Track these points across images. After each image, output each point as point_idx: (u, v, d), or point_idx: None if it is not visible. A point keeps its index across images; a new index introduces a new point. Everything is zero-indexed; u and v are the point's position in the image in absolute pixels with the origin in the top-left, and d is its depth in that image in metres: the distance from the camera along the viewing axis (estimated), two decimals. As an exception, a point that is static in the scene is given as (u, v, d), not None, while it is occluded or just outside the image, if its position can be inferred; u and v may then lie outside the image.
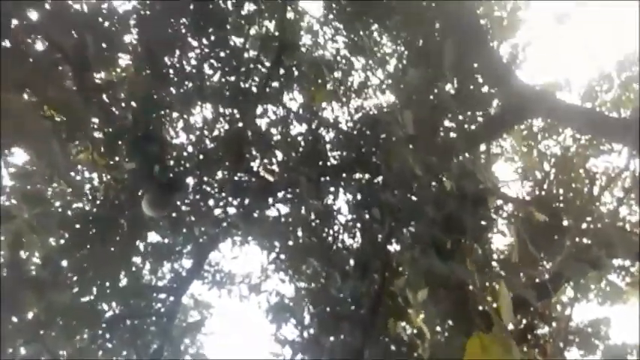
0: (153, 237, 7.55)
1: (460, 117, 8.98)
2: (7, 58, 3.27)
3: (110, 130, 5.88)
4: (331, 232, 9.06)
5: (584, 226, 12.08)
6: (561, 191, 13.35)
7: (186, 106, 8.12)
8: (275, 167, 9.49)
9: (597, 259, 7.03)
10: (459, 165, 5.57)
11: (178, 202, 7.11)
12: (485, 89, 9.34)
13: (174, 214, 7.11)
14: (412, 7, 9.12)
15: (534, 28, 11.75)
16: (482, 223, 5.48)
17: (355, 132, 10.13)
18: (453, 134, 9.17)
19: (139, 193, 6.42)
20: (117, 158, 6.29)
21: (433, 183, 6.09)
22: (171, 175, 6.49)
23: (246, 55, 9.00)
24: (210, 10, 7.19)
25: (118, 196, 6.57)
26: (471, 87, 9.30)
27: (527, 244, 8.21)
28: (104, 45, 5.73)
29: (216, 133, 8.93)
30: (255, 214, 8.86)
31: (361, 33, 10.83)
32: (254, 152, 9.20)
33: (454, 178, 5.55)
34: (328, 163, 9.83)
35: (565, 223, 12.53)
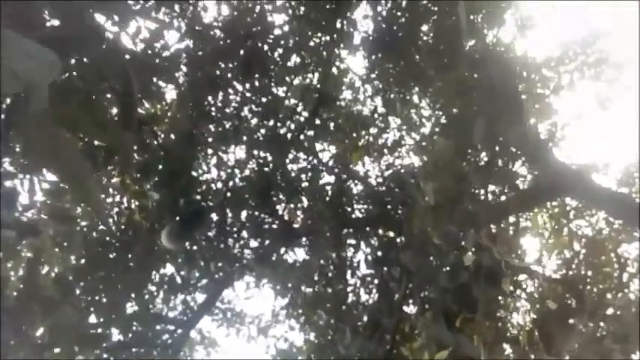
0: (169, 268, 7.71)
1: (488, 189, 8.93)
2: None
3: (146, 158, 6.12)
4: (347, 285, 9.03)
5: (609, 311, 11.67)
6: (589, 273, 12.99)
7: (221, 144, 8.38)
8: (299, 213, 9.61)
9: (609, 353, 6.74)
10: (474, 238, 5.54)
11: (198, 237, 7.26)
12: (518, 164, 9.31)
13: (192, 248, 7.24)
14: (453, 75, 9.30)
15: (576, 108, 11.70)
16: (496, 299, 5.39)
17: (383, 189, 10.22)
18: (478, 205, 9.13)
19: (161, 224, 6.59)
20: (147, 187, 6.51)
21: (451, 253, 6.07)
22: (195, 210, 6.66)
23: (286, 102, 9.29)
24: (257, 58, 7.51)
25: (141, 224, 6.77)
26: (503, 160, 9.29)
27: (545, 326, 7.96)
28: (154, 79, 6.05)
29: (246, 172, 9.14)
30: (273, 257, 8.93)
31: (400, 94, 11.04)
32: (281, 196, 9.35)
33: (470, 251, 5.52)
34: (353, 216, 9.90)
35: (589, 307, 12.13)
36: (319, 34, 7.76)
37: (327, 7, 7.55)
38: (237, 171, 8.62)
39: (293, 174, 9.63)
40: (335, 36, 7.62)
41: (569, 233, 13.08)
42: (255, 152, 8.65)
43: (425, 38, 8.94)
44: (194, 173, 6.70)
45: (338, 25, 7.82)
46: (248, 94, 7.74)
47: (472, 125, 9.30)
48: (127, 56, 4.76)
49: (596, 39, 11.00)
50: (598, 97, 11.63)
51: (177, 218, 6.37)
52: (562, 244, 13.13)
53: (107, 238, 6.75)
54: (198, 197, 7.08)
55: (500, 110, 9.44)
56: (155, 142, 6.29)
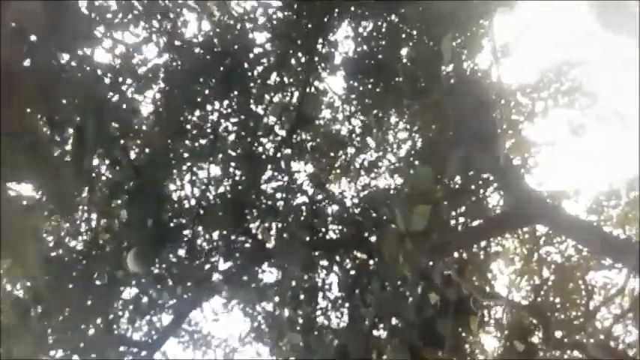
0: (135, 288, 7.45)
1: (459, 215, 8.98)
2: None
3: (116, 175, 5.95)
4: (318, 308, 8.92)
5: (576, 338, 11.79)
6: (557, 300, 13.13)
7: (197, 161, 8.24)
8: (273, 233, 9.48)
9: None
10: (442, 270, 5.51)
11: (166, 257, 7.04)
12: (490, 189, 9.40)
13: (159, 269, 7.01)
14: (429, 100, 9.37)
15: (550, 135, 11.91)
16: (462, 337, 5.35)
17: (357, 210, 10.18)
18: (450, 231, 9.17)
19: (129, 245, 6.38)
20: (115, 206, 6.31)
21: (419, 285, 6.03)
22: (162, 232, 6.45)
23: (265, 120, 9.20)
24: (236, 75, 7.43)
25: (108, 244, 6.54)
26: (476, 186, 9.36)
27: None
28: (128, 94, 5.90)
29: (221, 190, 8.99)
30: (244, 278, 8.77)
31: (377, 117, 11.05)
32: (255, 214, 9.22)
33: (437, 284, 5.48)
34: (326, 237, 9.82)
35: (557, 334, 12.24)
36: (299, 54, 7.73)
37: (308, 27, 7.53)
38: (211, 188, 8.47)
39: (268, 193, 9.53)
40: (315, 57, 7.59)
41: (538, 259, 13.23)
42: (231, 170, 8.51)
43: (404, 61, 8.99)
44: (166, 192, 6.51)
45: (318, 46, 7.80)
46: (226, 111, 7.63)
47: (447, 150, 9.38)
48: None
49: (571, 67, 11.26)
50: (571, 124, 11.88)
51: (144, 241, 6.16)
52: (531, 271, 13.27)
53: (72, 257, 6.51)
54: (169, 217, 6.88)
55: (475, 136, 9.55)
56: (126, 160, 6.11)
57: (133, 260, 6.04)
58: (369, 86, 9.94)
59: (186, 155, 8.06)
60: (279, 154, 9.62)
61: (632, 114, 11.08)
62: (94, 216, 6.98)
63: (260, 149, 8.66)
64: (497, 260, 13.33)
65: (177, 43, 6.84)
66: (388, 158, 11.84)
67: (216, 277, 7.89)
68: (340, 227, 10.00)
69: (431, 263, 6.27)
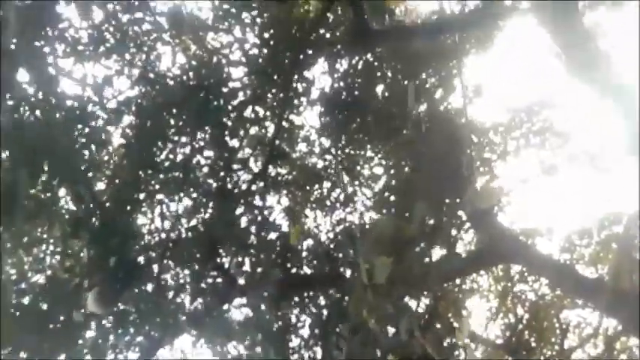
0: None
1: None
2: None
3: (78, 211, 5.74)
4: (290, 347, 8.70)
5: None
6: (532, 339, 13.08)
7: (168, 194, 8.10)
8: (245, 268, 9.30)
9: None
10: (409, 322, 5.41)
11: (132, 295, 6.76)
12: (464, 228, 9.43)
13: (122, 308, 6.70)
14: (405, 136, 9.45)
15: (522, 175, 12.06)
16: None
17: (332, 245, 10.09)
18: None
19: (90, 283, 6.12)
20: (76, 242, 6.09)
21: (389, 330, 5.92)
22: (127, 269, 6.22)
23: (239, 153, 9.13)
24: (210, 109, 7.39)
25: (67, 284, 6.25)
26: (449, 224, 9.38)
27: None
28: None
29: (192, 223, 8.81)
30: (214, 314, 8.53)
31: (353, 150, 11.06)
32: (227, 249, 9.05)
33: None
34: (300, 273, 9.67)
35: (533, 373, 12.14)
36: (274, 90, 7.73)
37: (284, 63, 7.57)
38: (182, 222, 8.29)
39: (241, 227, 9.37)
40: (290, 92, 7.60)
41: (513, 297, 13.22)
42: (203, 204, 8.37)
43: (378, 99, 9.08)
44: (132, 228, 6.31)
45: (294, 83, 7.83)
46: (199, 145, 7.55)
47: (419, 188, 9.43)
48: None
49: (542, 108, 11.52)
50: (543, 164, 12.07)
51: (106, 280, 5.92)
52: (506, 308, 13.23)
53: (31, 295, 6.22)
54: (134, 253, 6.65)
55: (448, 174, 9.63)
56: (89, 194, 5.91)
57: (94, 300, 5.77)
58: (344, 122, 9.99)
59: (156, 188, 7.90)
60: (253, 188, 9.53)
61: (602, 154, 11.33)
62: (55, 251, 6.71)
63: (233, 183, 8.55)
64: (471, 298, 13.32)
65: (150, 75, 6.79)
66: (363, 192, 11.81)
67: (184, 314, 7.64)
68: (314, 263, 9.88)
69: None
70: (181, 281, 8.05)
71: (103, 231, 5.74)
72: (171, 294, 7.62)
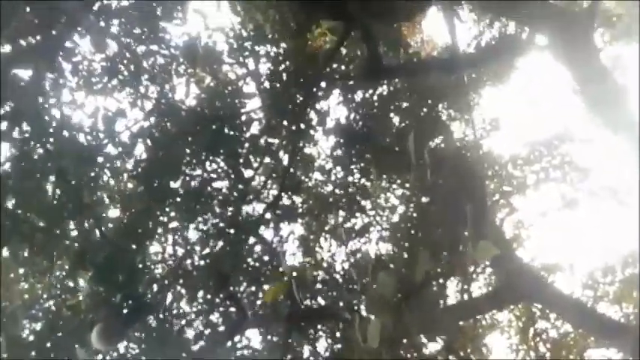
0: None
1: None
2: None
3: (84, 246, 5.69)
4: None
5: None
6: (557, 377, 12.60)
7: (181, 223, 8.09)
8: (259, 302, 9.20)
9: None
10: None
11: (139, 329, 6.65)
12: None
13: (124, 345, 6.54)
14: (424, 168, 9.30)
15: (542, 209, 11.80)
16: None
17: (345, 278, 9.96)
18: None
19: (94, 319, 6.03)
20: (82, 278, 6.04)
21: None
22: (134, 304, 6.09)
23: (253, 184, 9.12)
24: (223, 139, 7.42)
25: (70, 321, 6.13)
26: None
27: None
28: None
29: (204, 252, 8.76)
30: (226, 346, 8.44)
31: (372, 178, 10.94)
32: (238, 280, 8.98)
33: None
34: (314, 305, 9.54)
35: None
36: (288, 121, 7.73)
37: (298, 95, 7.60)
38: (193, 254, 8.25)
39: (254, 258, 9.31)
40: (303, 124, 7.60)
41: (534, 334, 12.79)
42: (215, 234, 8.33)
43: (393, 131, 9.01)
44: (139, 262, 6.23)
45: (307, 115, 7.84)
46: (210, 176, 7.56)
47: (436, 221, 9.26)
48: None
49: (562, 142, 11.32)
50: (563, 198, 11.79)
51: (111, 317, 5.81)
52: (527, 346, 12.80)
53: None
54: (141, 288, 6.54)
55: (464, 208, 9.46)
56: (96, 227, 5.89)
57: (97, 337, 5.65)
58: (358, 153, 9.92)
59: (170, 216, 7.89)
60: (266, 216, 9.47)
61: (625, 189, 11.03)
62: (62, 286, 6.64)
63: (246, 213, 8.51)
64: (490, 333, 12.94)
65: (163, 107, 6.87)
66: (378, 222, 11.64)
67: (194, 347, 7.53)
68: (327, 295, 9.76)
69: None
70: (192, 312, 7.98)
71: (109, 265, 5.68)
72: (179, 326, 7.52)
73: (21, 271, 6.63)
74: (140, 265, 6.14)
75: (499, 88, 10.08)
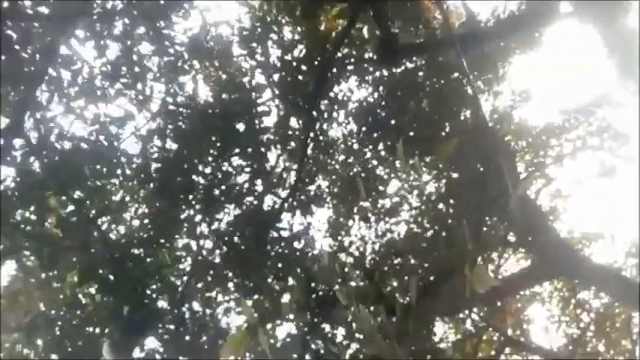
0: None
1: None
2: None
3: (89, 258, 5.56)
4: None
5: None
6: (602, 347, 12.28)
7: (205, 216, 8.03)
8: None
9: None
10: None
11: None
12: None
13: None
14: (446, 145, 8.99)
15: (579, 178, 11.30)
16: None
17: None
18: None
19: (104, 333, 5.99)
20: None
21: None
22: (144, 315, 5.96)
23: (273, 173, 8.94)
24: (238, 132, 7.24)
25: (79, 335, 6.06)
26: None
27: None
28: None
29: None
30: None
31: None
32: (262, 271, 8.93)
33: None
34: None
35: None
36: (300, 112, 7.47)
37: (312, 80, 7.31)
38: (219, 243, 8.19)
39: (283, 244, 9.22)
40: (315, 112, 7.35)
41: (576, 305, 12.43)
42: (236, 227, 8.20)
43: (419, 106, 8.66)
44: (149, 271, 6.09)
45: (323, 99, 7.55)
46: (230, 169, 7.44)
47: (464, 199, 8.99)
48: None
49: (598, 107, 10.71)
50: (602, 165, 11.22)
51: (121, 328, 5.78)
52: (570, 317, 12.47)
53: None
54: (149, 299, 6.29)
55: (493, 183, 9.14)
56: (101, 240, 5.74)
57: (109, 350, 5.66)
58: (384, 133, 9.63)
59: (187, 216, 7.75)
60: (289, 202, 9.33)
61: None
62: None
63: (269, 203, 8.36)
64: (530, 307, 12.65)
65: (172, 107, 6.76)
66: (410, 203, 11.37)
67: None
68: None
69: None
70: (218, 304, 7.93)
71: (116, 277, 5.57)
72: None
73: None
74: (153, 272, 6.04)
75: (529, 57, 9.54)
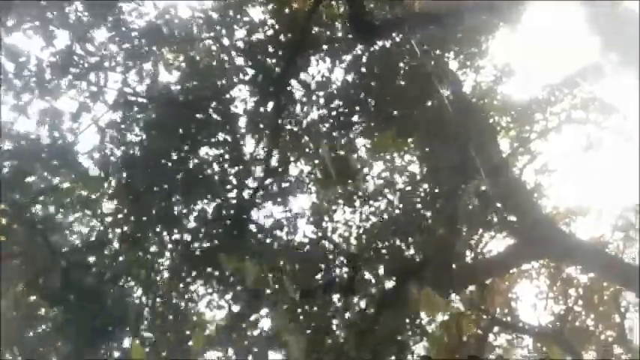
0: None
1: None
2: None
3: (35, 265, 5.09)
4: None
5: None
6: (590, 323, 12.26)
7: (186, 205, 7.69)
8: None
9: None
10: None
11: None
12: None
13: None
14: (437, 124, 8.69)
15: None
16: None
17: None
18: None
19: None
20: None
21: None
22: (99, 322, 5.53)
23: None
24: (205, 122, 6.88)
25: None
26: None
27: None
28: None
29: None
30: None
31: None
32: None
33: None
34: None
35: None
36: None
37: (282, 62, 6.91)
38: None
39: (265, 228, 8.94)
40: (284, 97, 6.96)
41: (563, 281, 12.34)
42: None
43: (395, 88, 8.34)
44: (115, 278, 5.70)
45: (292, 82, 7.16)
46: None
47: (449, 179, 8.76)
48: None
49: (584, 80, 10.45)
50: (588, 138, 11.02)
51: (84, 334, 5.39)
52: (558, 291, 12.40)
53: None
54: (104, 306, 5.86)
55: (480, 161, 8.91)
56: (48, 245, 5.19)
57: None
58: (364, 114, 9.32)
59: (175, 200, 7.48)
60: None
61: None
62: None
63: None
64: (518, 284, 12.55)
65: (131, 97, 6.37)
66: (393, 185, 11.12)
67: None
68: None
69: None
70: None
71: (65, 286, 5.08)
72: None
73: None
74: (122, 272, 5.70)
75: (511, 30, 9.21)
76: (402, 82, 7.87)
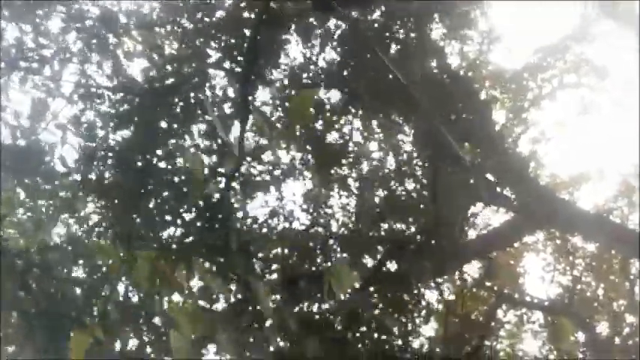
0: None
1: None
2: None
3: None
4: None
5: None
6: (600, 293, 11.98)
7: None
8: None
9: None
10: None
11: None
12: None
13: None
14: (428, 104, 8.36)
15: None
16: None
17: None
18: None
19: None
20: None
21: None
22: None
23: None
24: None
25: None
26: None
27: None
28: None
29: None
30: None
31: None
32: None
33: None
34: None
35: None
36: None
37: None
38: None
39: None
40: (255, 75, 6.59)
41: (569, 252, 12.02)
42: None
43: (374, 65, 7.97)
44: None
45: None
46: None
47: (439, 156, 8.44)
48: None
49: (575, 42, 10.07)
50: (582, 102, 10.67)
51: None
52: (565, 262, 12.11)
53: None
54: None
55: (470, 134, 8.60)
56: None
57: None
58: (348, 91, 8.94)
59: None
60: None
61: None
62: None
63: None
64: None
65: (91, 89, 6.06)
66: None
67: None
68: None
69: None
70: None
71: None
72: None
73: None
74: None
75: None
76: (384, 57, 7.49)
